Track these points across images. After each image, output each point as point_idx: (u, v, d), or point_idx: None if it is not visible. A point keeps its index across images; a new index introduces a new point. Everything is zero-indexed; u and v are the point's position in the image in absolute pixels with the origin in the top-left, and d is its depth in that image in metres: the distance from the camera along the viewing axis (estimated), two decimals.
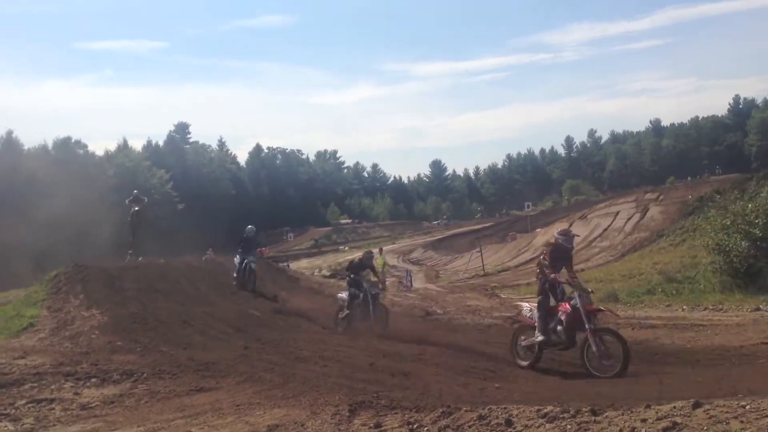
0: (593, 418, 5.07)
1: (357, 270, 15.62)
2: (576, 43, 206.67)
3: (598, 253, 36.51)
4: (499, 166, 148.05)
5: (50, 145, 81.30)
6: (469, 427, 5.50)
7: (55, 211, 55.55)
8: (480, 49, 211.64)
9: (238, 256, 19.72)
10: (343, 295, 15.47)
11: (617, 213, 43.91)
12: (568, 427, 5.00)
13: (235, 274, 19.54)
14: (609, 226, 41.92)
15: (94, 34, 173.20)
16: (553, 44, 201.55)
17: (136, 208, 24.77)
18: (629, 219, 41.30)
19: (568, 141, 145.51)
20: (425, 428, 5.73)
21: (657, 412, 4.93)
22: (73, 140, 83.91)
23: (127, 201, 25.67)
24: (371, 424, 6.12)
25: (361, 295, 14.77)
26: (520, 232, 57.17)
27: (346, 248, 69.56)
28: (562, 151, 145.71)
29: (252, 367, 10.13)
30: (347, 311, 14.94)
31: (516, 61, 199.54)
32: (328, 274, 38.63)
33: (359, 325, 14.54)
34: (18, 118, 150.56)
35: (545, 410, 5.42)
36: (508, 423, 5.37)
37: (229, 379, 9.35)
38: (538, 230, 53.11)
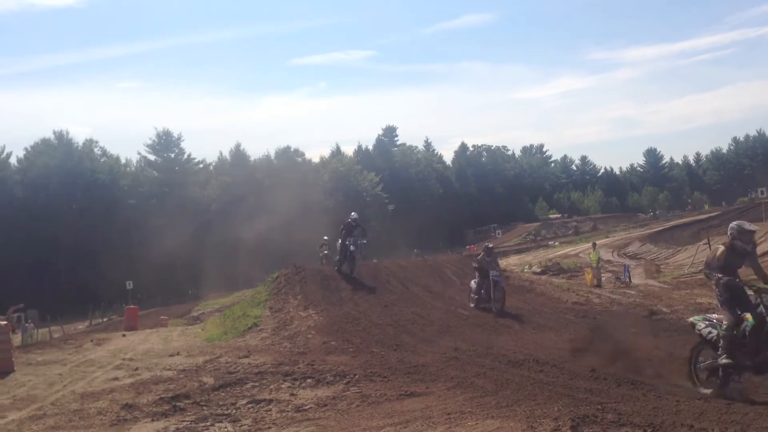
0: None
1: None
2: None
3: None
4: (724, 150, 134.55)
5: (272, 155, 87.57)
6: None
7: (280, 215, 60.10)
8: (695, 27, 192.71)
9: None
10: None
11: None
12: None
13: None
14: None
15: (309, 50, 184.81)
16: None
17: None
18: None
19: None
20: None
21: None
22: (291, 149, 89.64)
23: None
24: None
25: None
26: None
27: (556, 243, 67.17)
28: None
29: (463, 372, 9.74)
30: None
31: (739, 37, 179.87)
32: (538, 270, 37.30)
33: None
34: (244, 132, 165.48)
35: None
36: None
37: (440, 384, 9.01)
38: None
